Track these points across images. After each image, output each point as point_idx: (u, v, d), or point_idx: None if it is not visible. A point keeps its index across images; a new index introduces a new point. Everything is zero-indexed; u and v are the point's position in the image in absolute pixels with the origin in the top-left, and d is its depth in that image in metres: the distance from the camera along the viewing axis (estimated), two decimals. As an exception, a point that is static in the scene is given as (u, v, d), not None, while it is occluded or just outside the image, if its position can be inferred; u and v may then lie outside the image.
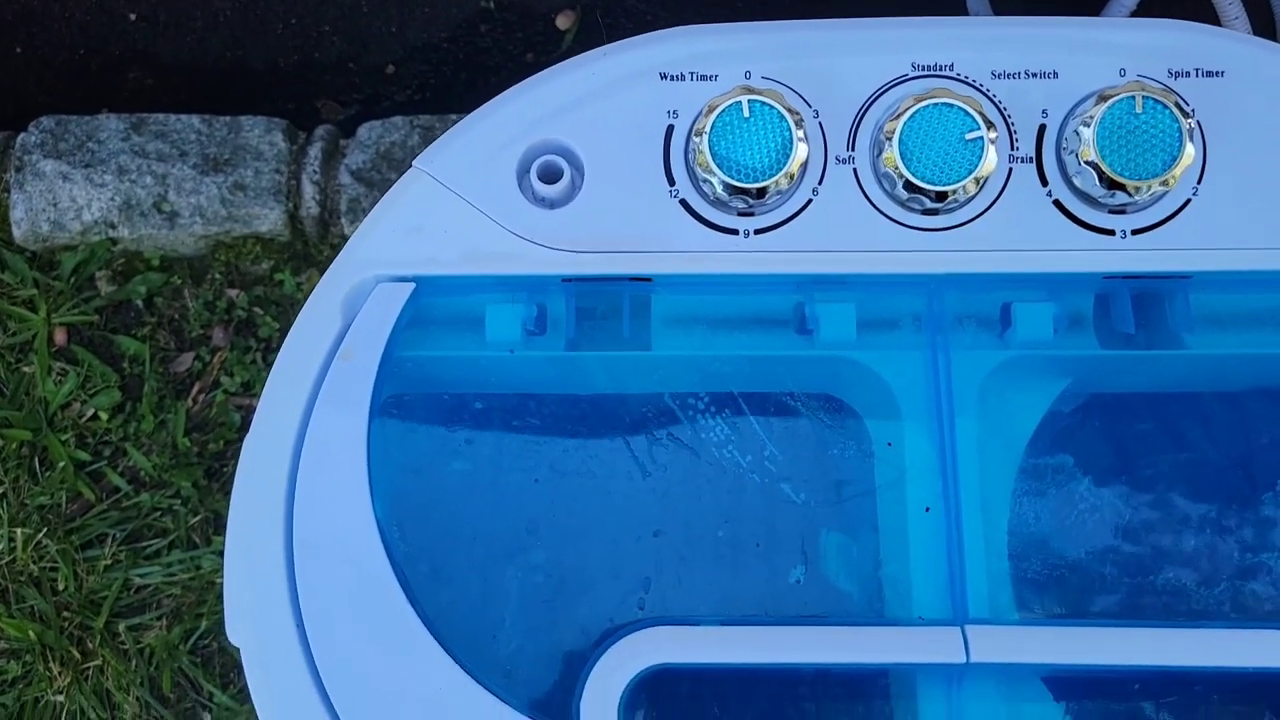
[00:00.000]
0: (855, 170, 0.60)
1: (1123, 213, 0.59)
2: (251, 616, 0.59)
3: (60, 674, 1.13)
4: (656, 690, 0.55)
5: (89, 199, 1.21)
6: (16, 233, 1.21)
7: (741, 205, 0.60)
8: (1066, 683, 0.56)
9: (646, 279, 0.61)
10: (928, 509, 0.57)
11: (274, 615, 0.58)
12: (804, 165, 0.59)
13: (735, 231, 0.61)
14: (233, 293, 1.23)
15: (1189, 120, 0.57)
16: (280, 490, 0.59)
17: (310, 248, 1.24)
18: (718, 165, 0.58)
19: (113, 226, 1.21)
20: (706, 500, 0.60)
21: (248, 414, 1.23)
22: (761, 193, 0.59)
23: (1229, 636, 0.54)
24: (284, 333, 0.64)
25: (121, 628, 1.14)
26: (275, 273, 1.24)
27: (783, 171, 0.58)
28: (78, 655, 1.14)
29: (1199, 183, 0.59)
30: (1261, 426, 0.60)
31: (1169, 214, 0.59)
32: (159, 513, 1.18)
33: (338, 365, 0.58)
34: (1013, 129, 0.60)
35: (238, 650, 0.60)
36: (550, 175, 0.61)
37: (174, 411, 1.20)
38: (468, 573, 0.59)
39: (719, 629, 0.55)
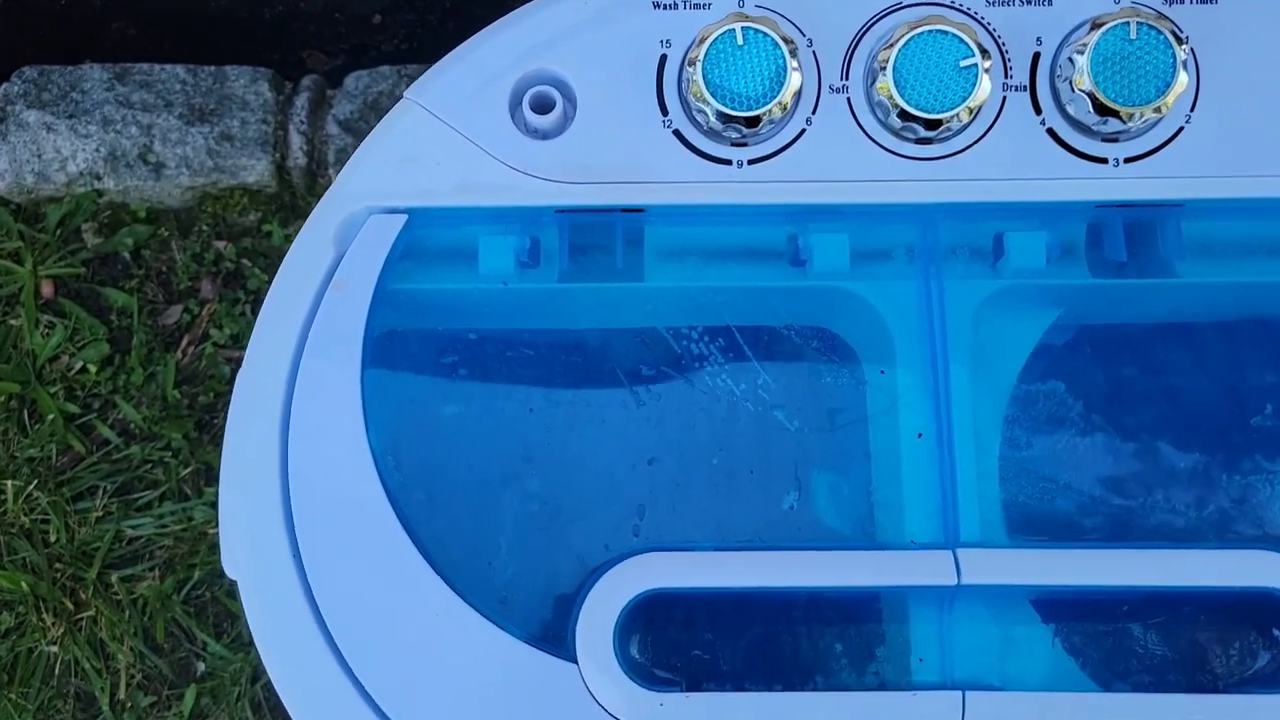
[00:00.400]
0: (849, 99, 0.60)
1: (1115, 141, 0.59)
2: (248, 548, 0.59)
3: (54, 625, 1.13)
4: (651, 615, 0.56)
5: (74, 150, 1.20)
6: (1, 185, 1.20)
7: (735, 135, 0.60)
8: (1055, 605, 0.57)
9: (639, 210, 0.61)
10: (920, 435, 0.58)
11: (270, 546, 0.58)
12: (797, 94, 0.59)
13: (729, 162, 0.61)
14: (220, 245, 1.23)
15: (1183, 47, 0.57)
16: (274, 422, 0.59)
17: (298, 199, 1.23)
18: (711, 94, 0.58)
19: (98, 178, 1.20)
20: (700, 428, 0.60)
21: (237, 366, 1.22)
22: (755, 122, 0.59)
23: (1216, 557, 0.55)
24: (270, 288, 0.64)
25: (114, 579, 1.14)
26: (263, 224, 1.23)
27: (776, 100, 0.58)
28: (71, 606, 1.14)
29: (1192, 110, 0.59)
30: (1251, 354, 0.60)
31: (1162, 142, 0.60)
32: (150, 465, 1.17)
33: (331, 296, 0.58)
34: (1007, 57, 0.60)
35: (234, 583, 0.60)
36: (542, 106, 0.61)
37: (163, 364, 1.19)
38: (463, 501, 0.59)
39: (713, 554, 0.55)
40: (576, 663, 0.53)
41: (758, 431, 0.60)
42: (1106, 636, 0.57)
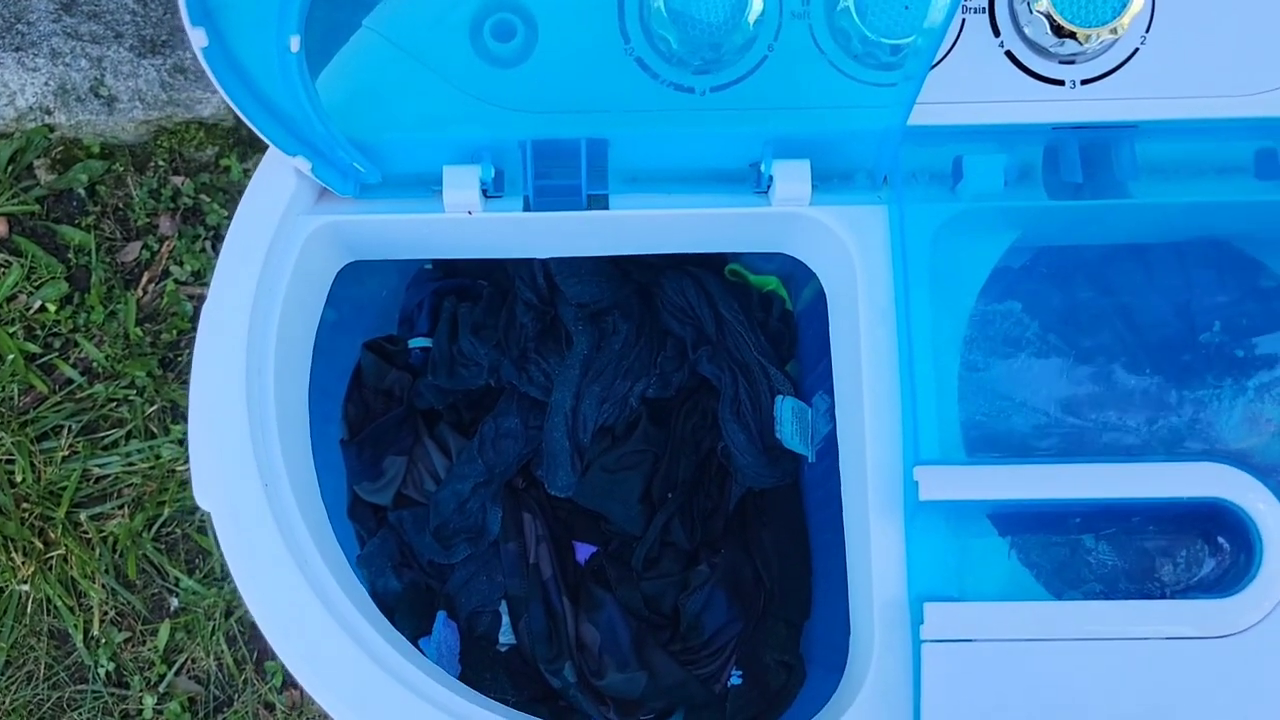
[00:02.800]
0: (810, 25, 0.60)
1: (1072, 63, 0.60)
2: (218, 478, 0.59)
3: (24, 564, 1.14)
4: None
5: (22, 84, 1.17)
6: (-52, 120, 1.17)
7: (697, 62, 0.60)
8: (1011, 518, 0.59)
9: (604, 139, 0.61)
10: None
11: (241, 476, 0.59)
12: (759, 20, 0.59)
13: (691, 89, 0.61)
14: (178, 180, 1.21)
15: (1139, -32, 0.58)
16: (240, 355, 0.59)
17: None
18: (672, 21, 0.58)
19: (49, 113, 1.18)
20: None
21: (200, 303, 1.21)
22: (717, 48, 0.59)
23: (1164, 470, 0.57)
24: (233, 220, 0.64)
25: (83, 517, 1.14)
26: (221, 159, 1.21)
27: (738, 26, 0.58)
28: (40, 545, 1.14)
29: (1147, 31, 0.60)
30: (1201, 274, 0.61)
31: (1117, 64, 0.60)
32: (114, 403, 1.17)
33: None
34: (966, -20, 0.60)
35: (206, 516, 0.61)
36: (504, 33, 0.60)
37: (124, 302, 1.18)
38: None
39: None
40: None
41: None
42: (1061, 547, 0.59)
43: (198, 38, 0.50)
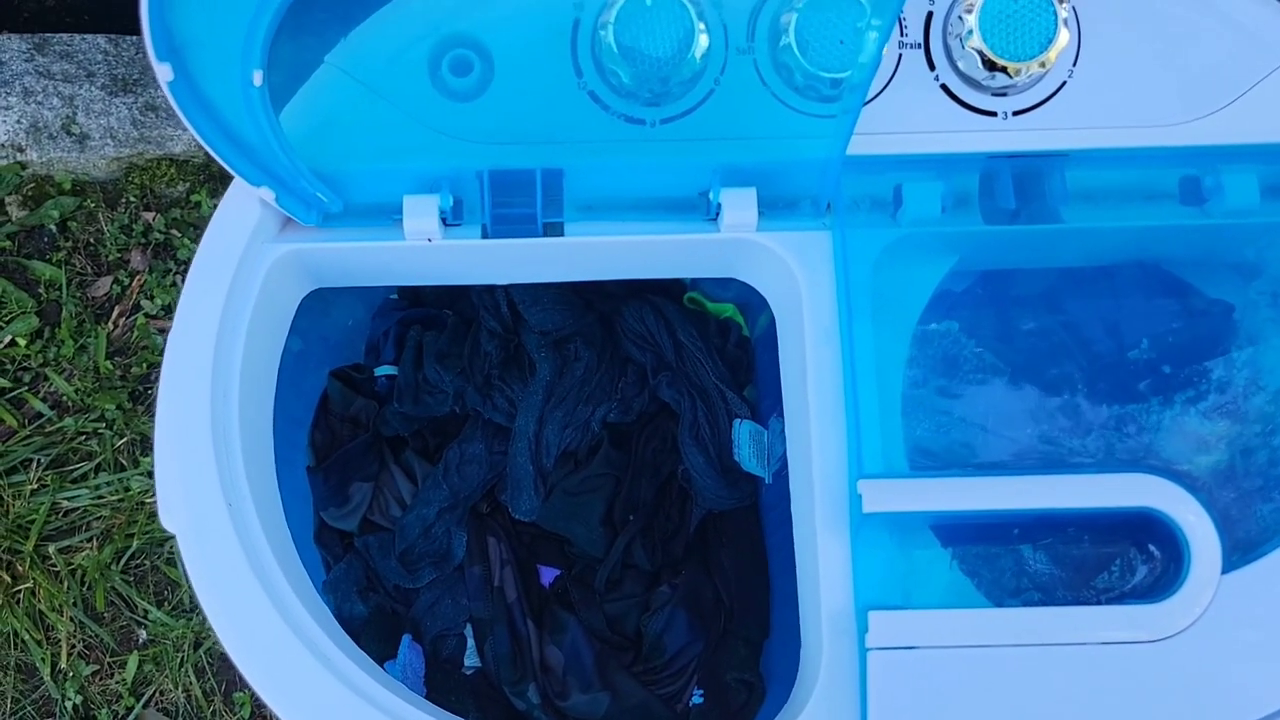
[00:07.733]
0: (755, 60, 0.63)
1: (1004, 95, 0.63)
2: (183, 501, 0.61)
3: (-9, 597, 1.14)
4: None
5: (-6, 122, 1.19)
6: (-80, 158, 1.19)
7: (647, 95, 0.62)
8: (952, 529, 0.61)
9: (558, 169, 0.63)
10: None
11: (205, 498, 0.60)
12: (706, 54, 0.62)
13: (642, 121, 0.63)
14: (149, 215, 1.23)
15: (1064, 5, 0.61)
16: (205, 379, 0.61)
17: (226, 169, 1.23)
18: (623, 56, 0.60)
19: (21, 150, 1.20)
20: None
21: (170, 336, 1.22)
22: (665, 81, 0.61)
23: (1098, 481, 0.59)
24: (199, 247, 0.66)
25: (51, 550, 1.15)
26: (192, 194, 1.23)
27: (685, 61, 0.61)
28: (8, 579, 1.14)
29: (1074, 65, 0.63)
30: (1130, 294, 0.64)
31: (1047, 95, 0.63)
32: (84, 436, 1.18)
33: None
34: (902, 16, 0.63)
35: (173, 543, 0.62)
36: (461, 68, 0.63)
37: (94, 336, 1.19)
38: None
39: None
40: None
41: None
42: (1000, 558, 0.61)
43: (164, 72, 0.52)
